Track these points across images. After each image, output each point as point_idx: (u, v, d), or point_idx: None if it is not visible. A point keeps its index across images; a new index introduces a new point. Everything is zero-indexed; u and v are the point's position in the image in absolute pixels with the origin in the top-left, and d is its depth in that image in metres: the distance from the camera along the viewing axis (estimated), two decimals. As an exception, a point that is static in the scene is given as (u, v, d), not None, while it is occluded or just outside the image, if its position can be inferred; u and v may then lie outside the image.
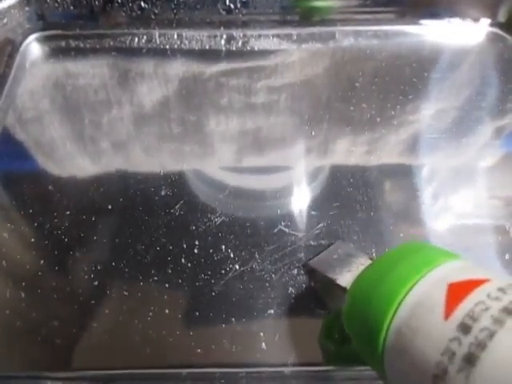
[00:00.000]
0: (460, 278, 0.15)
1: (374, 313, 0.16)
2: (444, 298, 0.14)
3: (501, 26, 0.33)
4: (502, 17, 0.33)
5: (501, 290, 0.14)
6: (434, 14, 0.33)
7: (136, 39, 0.33)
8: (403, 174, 0.28)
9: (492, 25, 0.33)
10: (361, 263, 0.21)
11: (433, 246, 0.18)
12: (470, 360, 0.12)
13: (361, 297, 0.18)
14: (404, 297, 0.15)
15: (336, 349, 0.21)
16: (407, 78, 0.31)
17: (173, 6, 0.33)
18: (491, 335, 0.12)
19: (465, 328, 0.13)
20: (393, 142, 0.29)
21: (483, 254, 0.25)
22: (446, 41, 0.33)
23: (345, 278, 0.20)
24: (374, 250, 0.25)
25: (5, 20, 0.32)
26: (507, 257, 0.25)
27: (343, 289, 0.20)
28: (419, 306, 0.15)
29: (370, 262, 0.21)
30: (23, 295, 0.24)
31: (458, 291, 0.14)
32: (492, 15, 0.33)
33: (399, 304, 0.15)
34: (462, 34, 0.33)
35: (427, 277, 0.16)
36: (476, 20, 0.33)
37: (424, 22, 0.34)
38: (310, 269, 0.23)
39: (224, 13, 0.33)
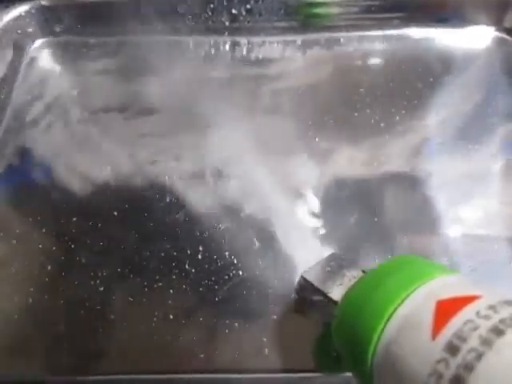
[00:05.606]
0: (450, 294, 0.14)
1: (362, 328, 0.16)
2: (432, 316, 0.14)
3: (507, 31, 0.33)
4: (508, 22, 0.33)
5: (491, 307, 0.13)
6: (439, 19, 0.33)
7: (143, 45, 0.33)
8: (407, 181, 0.27)
9: (498, 30, 0.33)
10: (353, 276, 0.21)
11: (425, 260, 0.18)
12: (458, 382, 0.12)
13: (350, 311, 0.17)
14: (393, 312, 0.15)
15: (329, 365, 0.21)
16: (412, 83, 0.31)
17: (179, 13, 0.33)
18: (479, 357, 0.12)
19: (452, 349, 0.13)
20: (397, 148, 0.29)
21: (490, 261, 0.25)
22: (452, 46, 0.33)
23: (336, 292, 0.20)
24: (376, 258, 0.25)
25: (14, 26, 0.33)
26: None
27: (335, 302, 0.20)
28: (407, 323, 0.14)
29: (362, 274, 0.20)
30: (30, 300, 0.24)
31: (446, 309, 0.14)
32: (498, 20, 0.33)
33: (388, 319, 0.15)
34: (467, 39, 0.33)
35: (416, 292, 0.15)
36: (482, 25, 0.33)
37: (429, 27, 0.33)
38: (303, 280, 0.23)
39: (229, 20, 0.33)
